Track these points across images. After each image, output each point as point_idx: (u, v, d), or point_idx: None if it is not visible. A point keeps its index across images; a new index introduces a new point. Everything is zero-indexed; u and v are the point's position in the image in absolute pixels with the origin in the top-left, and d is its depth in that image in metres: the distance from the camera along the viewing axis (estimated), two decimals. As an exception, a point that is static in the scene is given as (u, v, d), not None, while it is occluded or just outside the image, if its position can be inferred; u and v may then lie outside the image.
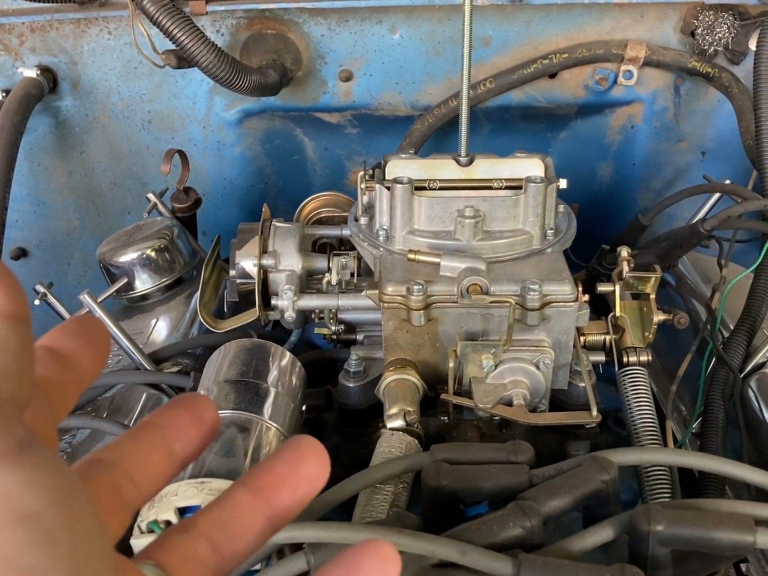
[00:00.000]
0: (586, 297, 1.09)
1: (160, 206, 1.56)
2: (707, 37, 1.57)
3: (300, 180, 1.84)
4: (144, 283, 1.43)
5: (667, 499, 0.96)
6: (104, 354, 0.39)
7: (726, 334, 1.20)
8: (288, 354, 1.08)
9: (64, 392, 0.36)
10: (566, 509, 0.79)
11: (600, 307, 1.28)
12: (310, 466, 0.41)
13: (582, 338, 1.16)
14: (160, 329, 1.36)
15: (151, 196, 1.56)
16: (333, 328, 1.19)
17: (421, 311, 1.02)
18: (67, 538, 0.29)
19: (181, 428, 0.41)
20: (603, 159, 1.81)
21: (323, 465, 0.41)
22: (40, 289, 1.36)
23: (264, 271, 1.19)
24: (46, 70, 1.64)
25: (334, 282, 1.18)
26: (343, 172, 1.84)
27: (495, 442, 1.08)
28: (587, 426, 1.07)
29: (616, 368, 1.14)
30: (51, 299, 1.35)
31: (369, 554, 0.37)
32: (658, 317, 1.13)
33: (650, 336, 1.15)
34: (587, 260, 1.45)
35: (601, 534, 0.76)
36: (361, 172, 1.16)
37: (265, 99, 1.66)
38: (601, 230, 1.56)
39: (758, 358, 1.15)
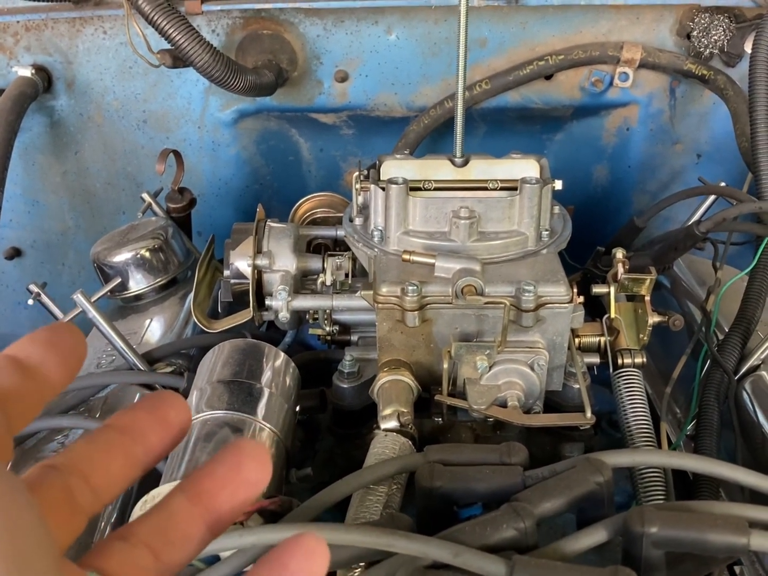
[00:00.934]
0: (581, 298, 1.09)
1: (154, 206, 1.56)
2: (703, 40, 1.57)
3: (295, 181, 1.84)
4: (138, 283, 1.43)
5: (661, 501, 0.96)
6: (76, 364, 0.38)
7: (721, 337, 1.20)
8: (282, 354, 1.08)
9: (24, 402, 0.36)
10: (560, 511, 0.79)
11: (595, 308, 1.28)
12: (249, 470, 0.40)
13: (577, 340, 1.16)
14: (153, 329, 1.36)
15: (145, 196, 1.56)
16: (327, 328, 1.18)
17: (416, 312, 1.02)
18: (4, 532, 0.29)
19: (144, 430, 0.40)
20: (598, 161, 1.81)
21: (264, 469, 0.40)
22: (34, 288, 1.35)
23: (258, 272, 1.18)
24: (40, 70, 1.64)
25: (328, 282, 1.18)
26: (338, 173, 1.84)
27: (489, 443, 1.08)
28: (581, 428, 1.07)
29: (611, 370, 1.14)
30: (44, 299, 1.34)
31: (295, 550, 0.36)
32: (653, 319, 1.13)
33: (645, 338, 1.15)
34: (582, 262, 1.45)
35: (594, 536, 0.76)
36: (356, 173, 1.15)
37: (260, 99, 1.66)
38: (596, 232, 1.56)
39: (753, 361, 1.15)
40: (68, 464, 0.38)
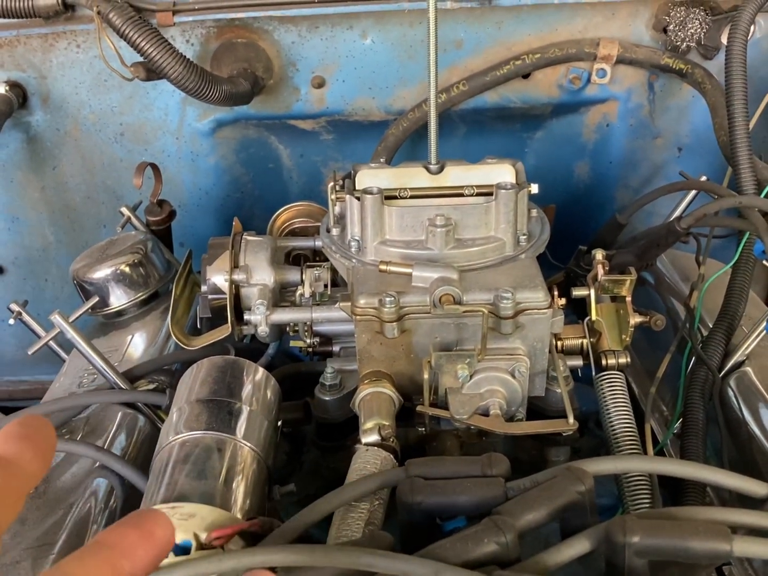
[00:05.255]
0: (563, 301, 1.08)
1: (133, 220, 1.54)
2: (679, 33, 1.56)
3: (276, 188, 1.83)
4: (119, 298, 1.42)
5: (647, 506, 0.95)
6: (49, 453, 0.40)
7: (705, 333, 1.20)
8: (261, 370, 1.07)
9: (8, 499, 0.37)
10: (542, 522, 0.78)
11: (580, 308, 1.27)
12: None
13: (559, 343, 1.15)
14: (136, 345, 1.35)
15: (124, 210, 1.55)
16: (308, 341, 1.17)
17: (394, 323, 1.01)
18: None
19: (130, 546, 0.41)
20: (579, 158, 1.80)
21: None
22: (14, 308, 1.35)
23: (236, 286, 1.17)
24: (15, 86, 1.62)
25: (307, 294, 1.17)
26: (319, 178, 1.82)
27: (474, 450, 1.08)
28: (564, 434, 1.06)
29: (593, 372, 1.13)
30: (26, 318, 1.34)
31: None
32: (635, 320, 1.13)
33: (627, 339, 1.15)
34: (566, 261, 1.44)
35: (577, 547, 0.75)
36: (331, 183, 1.14)
37: (238, 108, 1.64)
38: (579, 230, 1.55)
39: (737, 357, 1.15)
40: None
